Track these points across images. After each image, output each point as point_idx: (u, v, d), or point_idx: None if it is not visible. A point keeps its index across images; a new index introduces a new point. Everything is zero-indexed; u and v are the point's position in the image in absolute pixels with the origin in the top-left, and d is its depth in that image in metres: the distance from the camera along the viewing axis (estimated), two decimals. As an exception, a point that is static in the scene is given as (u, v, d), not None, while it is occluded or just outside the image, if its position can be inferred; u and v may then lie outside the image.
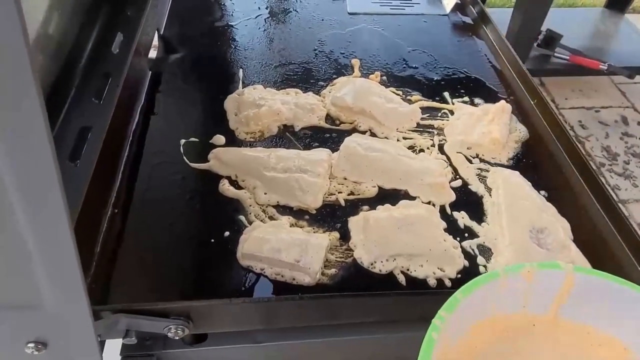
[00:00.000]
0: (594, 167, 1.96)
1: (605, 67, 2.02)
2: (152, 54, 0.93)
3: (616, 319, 0.45)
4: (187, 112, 0.82)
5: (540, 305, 0.46)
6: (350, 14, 1.08)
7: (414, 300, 0.53)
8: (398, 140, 0.77)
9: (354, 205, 0.68)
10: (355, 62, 0.92)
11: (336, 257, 0.61)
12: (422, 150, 0.76)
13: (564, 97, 2.31)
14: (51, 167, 0.31)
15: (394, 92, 0.86)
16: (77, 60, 0.90)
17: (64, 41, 0.89)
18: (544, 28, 2.06)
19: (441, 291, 0.57)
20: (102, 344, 0.54)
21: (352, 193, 0.69)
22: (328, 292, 0.57)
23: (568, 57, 2.09)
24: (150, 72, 0.88)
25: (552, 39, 2.09)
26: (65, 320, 0.40)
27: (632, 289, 0.45)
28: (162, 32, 0.97)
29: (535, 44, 2.09)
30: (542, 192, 0.71)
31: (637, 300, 0.44)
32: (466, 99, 0.87)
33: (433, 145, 0.77)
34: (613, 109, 2.26)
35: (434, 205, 0.68)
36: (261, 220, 0.65)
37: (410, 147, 0.76)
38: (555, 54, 2.11)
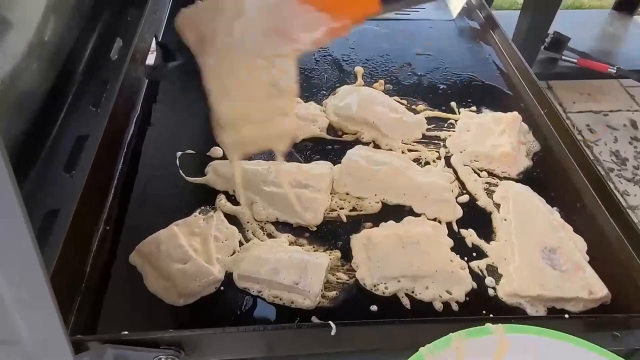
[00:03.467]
0: (603, 172, 1.93)
1: (614, 70, 1.98)
2: (150, 61, 0.91)
3: None
4: (184, 123, 0.79)
5: None
6: (353, 19, 1.05)
7: (419, 328, 0.50)
8: (403, 152, 0.74)
9: (357, 222, 0.65)
10: (359, 70, 0.89)
11: (337, 278, 0.58)
12: (427, 163, 0.73)
13: (571, 101, 2.27)
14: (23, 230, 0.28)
15: (398, 102, 0.83)
16: (75, 67, 0.88)
17: (61, 47, 0.86)
18: (551, 31, 2.02)
19: (447, 319, 0.54)
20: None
21: (354, 209, 0.66)
22: (329, 315, 0.54)
23: (576, 60, 2.05)
24: (147, 80, 0.85)
25: (559, 42, 2.06)
26: (45, 356, 0.38)
27: (567, 342, 0.42)
28: (160, 39, 0.94)
29: (542, 47, 2.06)
30: (555, 208, 0.67)
31: (572, 351, 0.42)
32: (474, 108, 0.83)
33: (439, 158, 0.74)
34: (622, 113, 2.22)
35: (440, 222, 0.65)
36: (259, 238, 0.62)
37: (416, 160, 0.73)
38: (563, 57, 2.07)
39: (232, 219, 0.64)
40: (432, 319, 0.53)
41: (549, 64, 2.11)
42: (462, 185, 0.70)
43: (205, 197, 0.67)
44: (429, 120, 0.80)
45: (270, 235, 0.63)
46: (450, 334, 0.42)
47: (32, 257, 0.29)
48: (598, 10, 2.57)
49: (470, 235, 0.64)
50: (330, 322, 0.48)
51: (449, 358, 0.42)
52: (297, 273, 0.56)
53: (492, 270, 0.60)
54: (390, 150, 0.74)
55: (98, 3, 0.92)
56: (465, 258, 0.61)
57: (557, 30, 2.04)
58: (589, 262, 0.60)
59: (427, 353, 0.41)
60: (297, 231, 0.63)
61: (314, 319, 0.54)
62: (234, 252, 0.60)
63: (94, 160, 0.62)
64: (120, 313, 0.55)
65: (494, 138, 0.75)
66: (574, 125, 2.16)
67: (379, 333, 0.49)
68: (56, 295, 0.50)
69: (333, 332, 0.48)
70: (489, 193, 0.69)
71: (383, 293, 0.57)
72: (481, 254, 0.62)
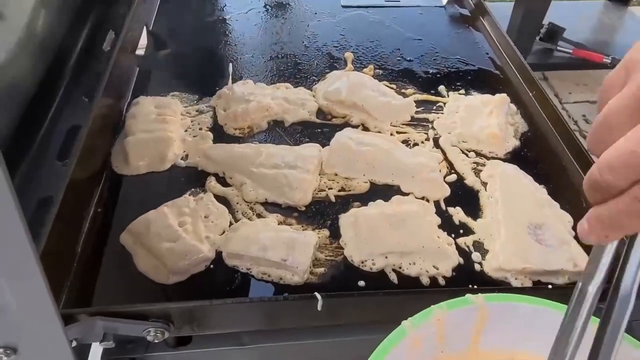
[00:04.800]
0: (595, 159, 1.93)
1: (609, 61, 1.99)
2: (141, 51, 0.91)
3: (536, 338, 0.43)
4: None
5: (458, 344, 0.43)
6: (343, 6, 1.06)
7: (404, 300, 0.51)
8: (391, 134, 0.75)
9: (345, 202, 0.65)
10: (349, 56, 0.90)
11: (325, 256, 0.59)
12: (416, 144, 0.74)
13: (567, 92, 2.27)
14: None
15: (387, 86, 0.83)
16: (67, 58, 0.89)
17: (53, 39, 0.87)
18: (546, 21, 2.02)
19: (432, 290, 0.55)
20: (87, 347, 0.53)
21: (342, 189, 0.67)
22: (317, 290, 0.55)
23: (571, 51, 2.06)
24: (138, 69, 0.86)
25: (554, 33, 2.06)
26: (33, 325, 0.38)
27: (547, 307, 0.43)
28: (150, 28, 0.95)
29: (537, 38, 2.06)
30: (542, 186, 0.68)
31: (550, 315, 0.42)
32: (462, 92, 0.84)
33: (427, 139, 0.75)
34: (617, 103, 2.22)
35: (427, 200, 0.66)
36: (248, 219, 0.63)
37: (404, 141, 0.74)
38: (558, 48, 2.07)
39: (222, 200, 0.65)
40: (416, 290, 0.54)
41: (545, 55, 2.11)
42: (450, 165, 0.71)
43: (196, 180, 0.67)
44: (418, 103, 0.81)
45: (259, 216, 0.63)
46: (432, 306, 0.43)
47: (21, 232, 0.30)
48: (593, 1, 2.57)
49: (457, 213, 0.64)
50: (317, 294, 0.49)
51: (432, 328, 0.42)
52: (285, 250, 0.57)
53: (479, 246, 0.61)
54: (379, 132, 0.75)
55: (89, -5, 0.93)
56: (452, 235, 0.62)
57: (552, 21, 2.04)
58: (575, 237, 0.61)
59: (409, 328, 0.41)
60: (286, 211, 0.64)
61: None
62: (223, 232, 0.61)
63: (84, 146, 0.63)
64: (112, 291, 0.56)
65: (482, 119, 0.76)
66: (570, 115, 2.16)
67: (364, 305, 0.50)
68: (47, 272, 0.51)
69: (320, 304, 0.49)
70: (477, 172, 0.70)
71: (370, 269, 0.58)
72: (468, 231, 0.63)
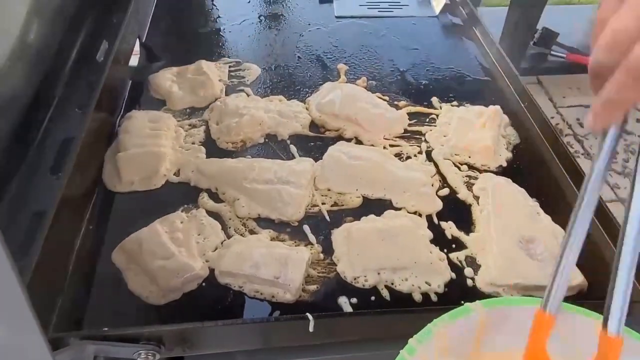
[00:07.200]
0: (589, 168, 1.94)
1: (603, 65, 1.99)
2: (134, 62, 0.91)
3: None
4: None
5: (462, 352, 0.44)
6: (337, 17, 1.06)
7: (394, 319, 0.51)
8: (384, 147, 0.75)
9: (338, 217, 0.65)
10: (342, 68, 0.90)
11: (318, 272, 0.59)
12: (409, 158, 0.74)
13: (562, 96, 2.28)
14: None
15: (380, 97, 0.83)
16: (60, 69, 0.88)
17: (46, 50, 0.87)
18: (540, 26, 2.03)
19: (422, 309, 0.55)
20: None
21: (335, 204, 0.67)
22: (310, 308, 0.55)
23: (565, 55, 2.07)
24: (131, 81, 0.86)
25: (548, 37, 2.07)
26: (22, 351, 0.38)
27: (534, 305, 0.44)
28: (143, 40, 0.95)
29: (531, 43, 2.07)
30: (534, 199, 0.68)
31: None
32: (455, 103, 0.84)
33: (420, 152, 0.75)
34: (611, 107, 2.23)
35: (420, 215, 0.66)
36: (241, 235, 0.63)
37: (397, 155, 0.74)
38: (552, 52, 2.08)
39: (215, 216, 0.64)
40: (407, 309, 0.54)
41: (539, 59, 2.12)
42: (443, 179, 0.71)
43: (188, 195, 0.67)
44: (411, 115, 0.81)
45: (252, 232, 0.63)
46: (435, 320, 0.43)
47: (4, 261, 0.30)
48: (586, 5, 2.58)
49: (449, 228, 0.65)
50: (308, 315, 0.49)
51: (437, 342, 0.42)
52: (277, 267, 0.57)
53: (471, 261, 0.61)
54: (372, 145, 0.75)
55: (82, 6, 0.92)
56: (445, 250, 0.62)
57: (546, 25, 2.05)
58: (567, 251, 0.61)
59: (417, 345, 0.41)
60: (279, 227, 0.64)
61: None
62: (216, 249, 0.61)
63: (75, 160, 0.63)
64: (104, 311, 0.55)
65: (475, 132, 0.76)
66: (565, 119, 2.17)
67: (356, 324, 0.50)
68: (37, 294, 0.51)
69: (311, 325, 0.49)
70: (469, 186, 0.70)
71: (363, 285, 0.58)
72: (460, 246, 0.63)
